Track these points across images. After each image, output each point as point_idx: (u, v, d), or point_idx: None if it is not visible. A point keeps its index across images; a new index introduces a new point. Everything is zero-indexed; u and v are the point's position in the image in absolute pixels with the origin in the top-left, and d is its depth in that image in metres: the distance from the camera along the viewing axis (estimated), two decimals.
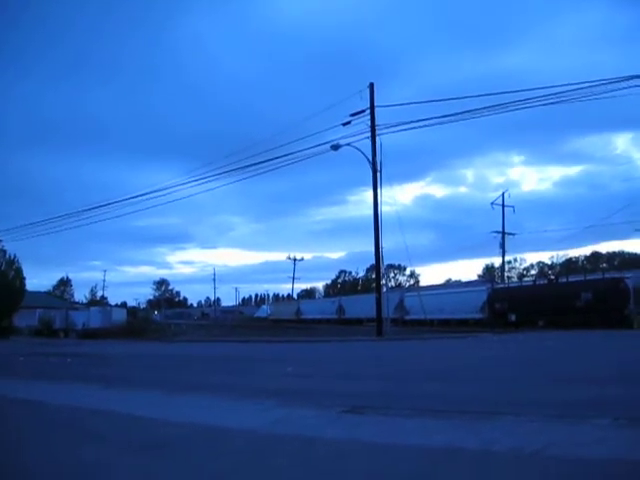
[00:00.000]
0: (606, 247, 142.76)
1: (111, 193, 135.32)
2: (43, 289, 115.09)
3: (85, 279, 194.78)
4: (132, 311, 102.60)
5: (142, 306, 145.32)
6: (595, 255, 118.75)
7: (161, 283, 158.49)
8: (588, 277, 49.18)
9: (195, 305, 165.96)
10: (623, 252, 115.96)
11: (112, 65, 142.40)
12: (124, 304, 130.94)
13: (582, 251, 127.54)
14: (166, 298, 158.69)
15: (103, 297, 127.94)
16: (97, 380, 15.41)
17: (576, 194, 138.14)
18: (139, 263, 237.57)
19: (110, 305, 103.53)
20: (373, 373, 16.43)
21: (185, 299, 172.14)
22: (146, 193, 46.48)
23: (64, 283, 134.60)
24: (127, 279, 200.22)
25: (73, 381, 15.36)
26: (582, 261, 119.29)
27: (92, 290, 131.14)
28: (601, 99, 30.15)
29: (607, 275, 49.93)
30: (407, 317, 55.91)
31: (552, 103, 31.09)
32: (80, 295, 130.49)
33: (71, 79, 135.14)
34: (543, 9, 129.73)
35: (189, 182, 43.61)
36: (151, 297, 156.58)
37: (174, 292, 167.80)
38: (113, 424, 9.27)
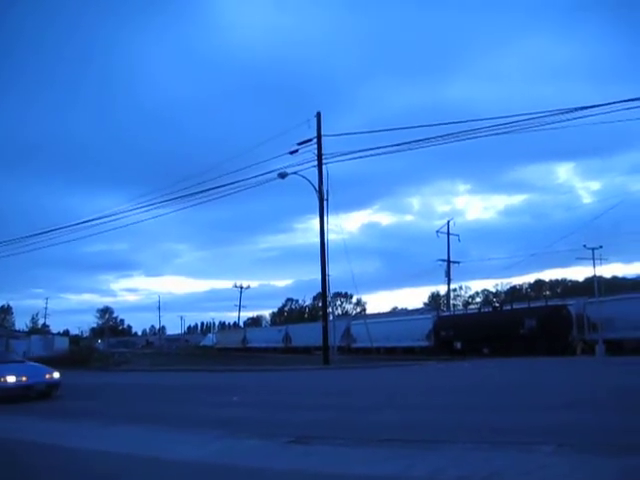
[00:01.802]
0: (549, 275, 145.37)
1: (54, 219, 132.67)
2: None
3: (27, 307, 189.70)
4: (75, 339, 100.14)
5: (85, 334, 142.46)
6: (538, 283, 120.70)
7: (105, 311, 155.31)
8: (532, 305, 49.78)
9: (140, 333, 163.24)
10: (565, 280, 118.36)
11: (67, 89, 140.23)
12: (67, 332, 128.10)
13: (526, 279, 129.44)
14: (110, 326, 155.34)
15: (45, 325, 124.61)
16: (36, 413, 15.05)
17: (520, 223, 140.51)
18: (83, 290, 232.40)
19: (52, 333, 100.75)
20: (319, 403, 16.31)
21: (129, 327, 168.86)
22: (90, 220, 45.58)
23: (4, 311, 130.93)
24: (70, 307, 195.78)
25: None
26: (526, 289, 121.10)
27: (34, 318, 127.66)
28: (544, 130, 30.83)
29: (550, 302, 50.68)
30: (354, 345, 55.86)
31: (497, 134, 31.66)
32: (21, 323, 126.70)
33: (12, 100, 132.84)
34: (486, 41, 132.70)
35: (135, 209, 42.94)
36: (94, 325, 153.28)
37: (118, 320, 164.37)
38: (51, 456, 8.97)
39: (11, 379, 17.45)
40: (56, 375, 18.87)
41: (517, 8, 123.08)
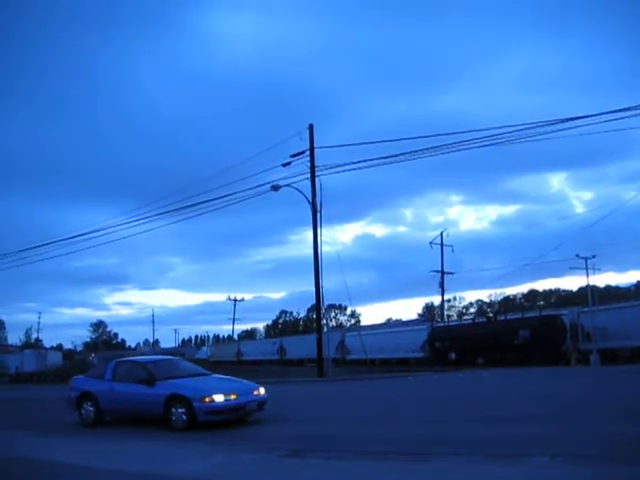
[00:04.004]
0: (543, 285, 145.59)
1: (47, 234, 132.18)
2: None
3: (20, 321, 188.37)
4: (68, 354, 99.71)
5: (79, 349, 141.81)
6: (532, 293, 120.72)
7: (98, 325, 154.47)
8: (525, 315, 49.74)
9: (134, 347, 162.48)
10: (559, 289, 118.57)
11: (50, 104, 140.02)
12: (60, 347, 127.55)
13: (519, 289, 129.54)
14: (103, 340, 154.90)
15: (38, 339, 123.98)
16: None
17: (513, 233, 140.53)
18: (76, 305, 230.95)
19: (45, 348, 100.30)
20: (314, 415, 16.32)
21: (123, 341, 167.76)
22: (83, 234, 45.44)
23: None
24: (63, 321, 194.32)
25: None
26: (519, 299, 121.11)
27: (27, 332, 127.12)
28: (536, 141, 30.97)
29: (544, 312, 50.61)
30: (348, 357, 55.71)
31: (488, 145, 31.77)
32: (14, 338, 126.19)
33: (5, 116, 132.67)
34: (476, 53, 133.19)
35: (127, 222, 42.84)
36: (88, 339, 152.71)
37: (112, 334, 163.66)
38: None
39: (219, 398, 13.83)
40: (263, 391, 15.23)
41: (507, 20, 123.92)
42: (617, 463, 7.65)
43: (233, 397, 14.12)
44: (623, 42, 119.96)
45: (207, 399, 13.70)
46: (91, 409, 15.53)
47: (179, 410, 13.74)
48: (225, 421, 13.89)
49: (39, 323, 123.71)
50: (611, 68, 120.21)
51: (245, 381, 16.28)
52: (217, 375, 16.87)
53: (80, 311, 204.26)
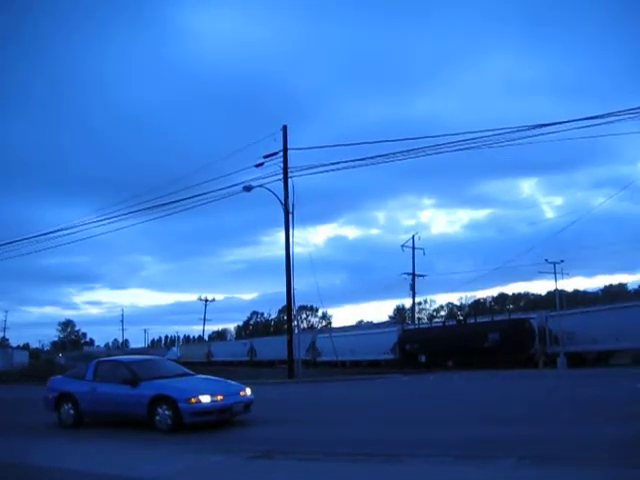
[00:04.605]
0: (513, 288, 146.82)
1: (13, 231, 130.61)
2: None
3: None
4: (35, 353, 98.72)
5: (46, 348, 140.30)
6: (502, 296, 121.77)
7: (67, 324, 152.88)
8: (495, 318, 50.09)
9: (102, 347, 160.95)
10: (528, 293, 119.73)
11: (16, 101, 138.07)
12: (27, 346, 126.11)
13: (490, 292, 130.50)
14: (71, 340, 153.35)
15: (4, 339, 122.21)
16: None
17: (484, 237, 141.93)
18: (44, 303, 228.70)
19: (12, 347, 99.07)
20: (286, 417, 16.27)
21: (92, 341, 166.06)
22: (53, 231, 44.86)
23: None
24: (31, 320, 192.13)
25: None
26: (490, 302, 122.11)
27: None
28: (508, 146, 31.22)
29: (513, 316, 51.04)
30: (319, 359, 55.73)
31: (461, 149, 31.94)
32: None
33: None
34: (450, 57, 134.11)
35: (98, 220, 42.35)
36: (56, 339, 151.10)
37: (80, 333, 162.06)
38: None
39: (205, 399, 13.46)
40: (249, 392, 14.89)
41: (481, 26, 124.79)
42: (584, 465, 7.73)
43: (220, 398, 13.75)
44: (595, 48, 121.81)
45: (193, 400, 13.33)
46: (71, 410, 15.03)
47: (164, 412, 13.38)
48: (212, 422, 13.53)
49: (5, 322, 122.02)
50: (583, 73, 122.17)
51: (231, 382, 15.94)
52: (202, 376, 16.42)
53: (49, 310, 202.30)
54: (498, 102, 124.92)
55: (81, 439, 13.16)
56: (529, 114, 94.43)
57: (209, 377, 16.40)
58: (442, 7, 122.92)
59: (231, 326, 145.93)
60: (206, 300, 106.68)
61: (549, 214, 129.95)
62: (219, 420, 13.77)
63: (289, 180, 35.95)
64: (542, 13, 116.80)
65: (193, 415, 13.32)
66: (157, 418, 13.45)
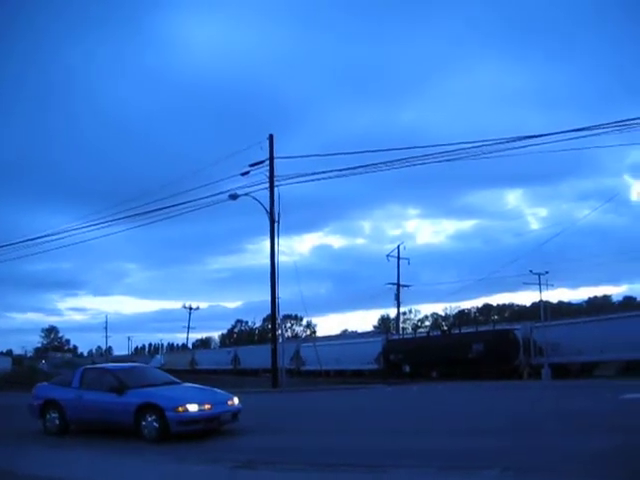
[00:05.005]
0: (497, 299, 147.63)
1: (1, 236, 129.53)
2: None
3: None
4: (18, 360, 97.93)
5: (29, 354, 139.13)
6: (487, 307, 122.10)
7: (50, 330, 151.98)
8: (479, 329, 50.07)
9: (85, 354, 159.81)
10: (513, 304, 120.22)
11: (3, 106, 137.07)
12: (10, 352, 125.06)
13: (474, 303, 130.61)
14: (55, 346, 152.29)
15: None
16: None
17: (469, 247, 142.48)
18: (27, 309, 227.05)
19: None
20: (268, 426, 16.17)
21: (75, 347, 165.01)
22: (36, 237, 44.56)
23: None
24: (14, 326, 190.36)
25: None
26: (474, 313, 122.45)
27: None
28: (493, 157, 31.33)
29: (497, 327, 51.10)
30: (303, 368, 55.57)
31: (447, 160, 31.98)
32: None
33: None
34: (437, 68, 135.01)
35: (83, 227, 42.12)
36: (39, 345, 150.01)
37: (64, 340, 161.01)
38: None
39: (193, 408, 13.30)
40: (237, 401, 14.77)
41: (468, 36, 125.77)
42: (567, 476, 7.72)
43: (207, 407, 13.63)
44: (581, 59, 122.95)
45: (181, 409, 13.18)
46: (56, 418, 14.84)
47: (151, 420, 13.19)
48: (199, 431, 13.41)
49: None
50: (568, 85, 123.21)
51: (218, 390, 15.68)
52: (189, 384, 16.24)
53: (32, 316, 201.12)
54: (484, 113, 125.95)
55: (66, 447, 13.02)
56: (515, 124, 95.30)
57: (196, 385, 16.20)
58: (430, 17, 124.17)
59: (215, 334, 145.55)
60: (190, 308, 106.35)
61: (534, 225, 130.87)
62: (206, 429, 13.63)
63: (275, 189, 35.92)
64: (529, 24, 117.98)
65: (180, 424, 13.16)
66: (144, 426, 13.28)
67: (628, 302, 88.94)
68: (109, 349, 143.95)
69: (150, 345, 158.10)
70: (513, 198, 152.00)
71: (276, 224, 35.76)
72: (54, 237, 43.27)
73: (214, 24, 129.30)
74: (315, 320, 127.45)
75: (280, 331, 38.96)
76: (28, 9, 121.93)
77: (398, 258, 69.42)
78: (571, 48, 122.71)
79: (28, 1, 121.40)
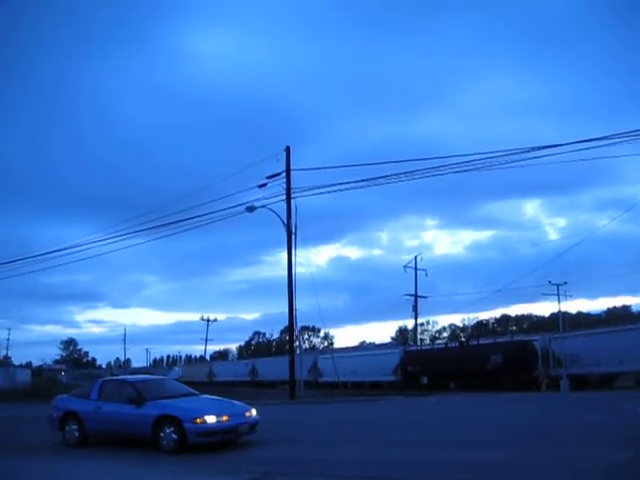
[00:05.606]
0: (515, 310, 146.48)
1: (16, 249, 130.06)
2: None
3: None
4: (37, 372, 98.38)
5: (49, 366, 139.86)
6: (505, 318, 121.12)
7: (69, 343, 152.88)
8: (497, 340, 49.80)
9: (104, 366, 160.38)
10: (531, 315, 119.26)
11: (9, 119, 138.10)
12: (29, 364, 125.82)
13: (492, 314, 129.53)
14: (74, 358, 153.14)
15: (7, 357, 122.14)
16: None
17: (487, 258, 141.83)
18: (46, 322, 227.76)
19: (14, 365, 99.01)
20: (285, 437, 16.22)
21: (94, 359, 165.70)
22: (55, 250, 45.00)
23: None
24: (33, 338, 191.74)
25: None
26: (492, 324, 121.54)
27: None
28: (511, 168, 31.35)
29: (516, 338, 50.76)
30: (321, 379, 55.46)
31: (464, 171, 32.08)
32: None
33: None
34: (453, 79, 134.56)
35: (101, 240, 42.49)
36: (58, 357, 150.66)
37: (82, 352, 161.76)
38: None
39: (211, 419, 13.36)
40: (254, 412, 14.84)
41: (482, 48, 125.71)
42: None
43: (225, 418, 13.71)
44: (594, 69, 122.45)
45: (199, 420, 13.22)
46: (75, 430, 15.04)
47: (169, 432, 13.30)
48: (217, 443, 13.44)
49: (8, 340, 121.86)
50: (582, 95, 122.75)
51: (236, 402, 15.78)
52: (207, 396, 16.44)
53: (50, 328, 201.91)
54: (497, 123, 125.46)
55: (85, 458, 13.20)
56: (527, 136, 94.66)
57: (214, 397, 16.39)
58: (441, 29, 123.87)
59: (233, 346, 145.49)
60: (208, 320, 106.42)
61: (552, 235, 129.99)
62: (224, 440, 13.70)
63: (292, 201, 36.05)
64: (539, 35, 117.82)
65: (198, 435, 13.25)
66: (162, 438, 13.40)
67: None
68: (128, 361, 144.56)
69: (168, 357, 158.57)
70: (531, 208, 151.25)
71: (293, 236, 35.89)
72: (73, 250, 43.67)
73: (225, 37, 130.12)
74: (332, 332, 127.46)
75: (298, 343, 39.04)
76: (36, 25, 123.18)
77: (415, 269, 69.29)
78: (581, 57, 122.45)
79: (35, 16, 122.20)
